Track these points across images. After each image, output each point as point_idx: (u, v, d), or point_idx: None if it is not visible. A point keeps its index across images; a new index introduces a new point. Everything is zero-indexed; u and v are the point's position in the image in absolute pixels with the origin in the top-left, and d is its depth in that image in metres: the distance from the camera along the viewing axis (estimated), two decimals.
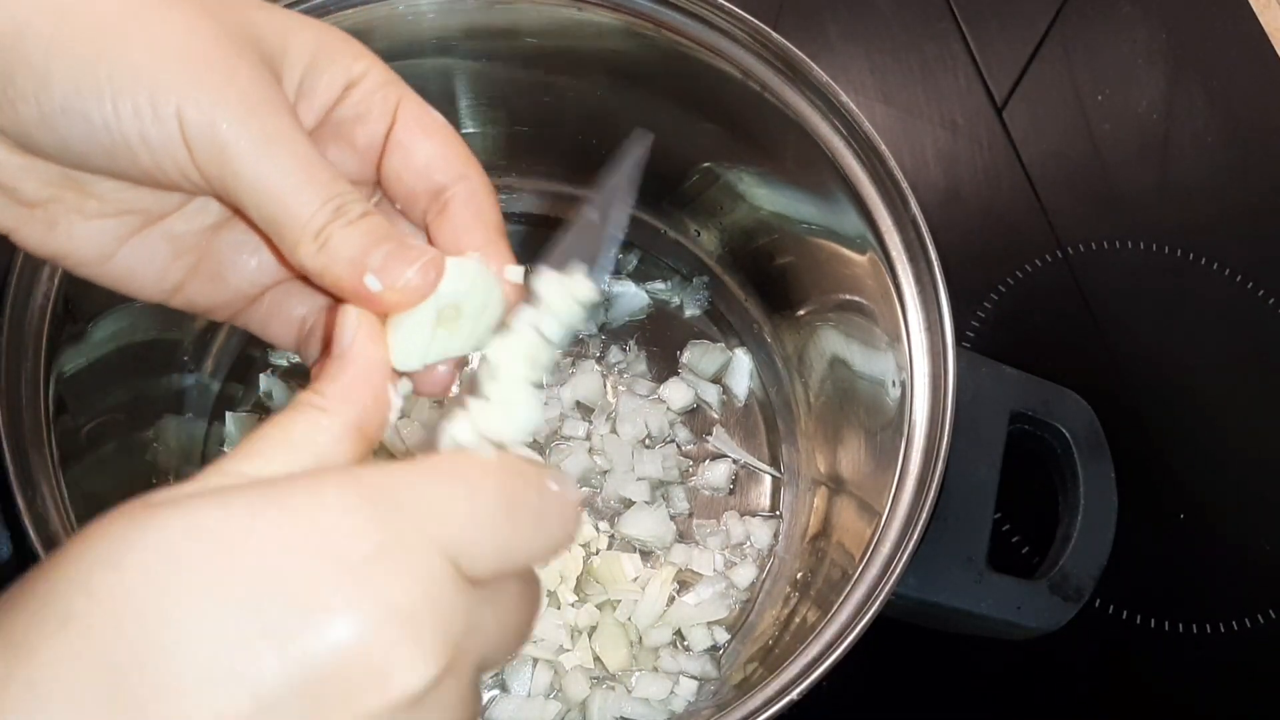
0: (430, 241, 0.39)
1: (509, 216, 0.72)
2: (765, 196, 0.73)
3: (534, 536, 0.31)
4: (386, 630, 0.27)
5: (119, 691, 0.26)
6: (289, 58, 0.37)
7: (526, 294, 0.39)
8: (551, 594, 0.71)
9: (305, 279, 0.38)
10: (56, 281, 0.58)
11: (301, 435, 0.32)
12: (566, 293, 0.38)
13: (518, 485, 0.31)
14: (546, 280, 0.38)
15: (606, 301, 0.81)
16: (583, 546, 0.73)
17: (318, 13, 0.61)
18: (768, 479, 0.78)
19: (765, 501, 0.77)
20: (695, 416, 0.79)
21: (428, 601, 0.28)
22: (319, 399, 0.33)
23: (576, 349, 0.80)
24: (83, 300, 0.61)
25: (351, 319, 0.35)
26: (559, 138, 0.76)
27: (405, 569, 0.28)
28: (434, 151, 0.38)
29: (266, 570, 0.27)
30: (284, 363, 0.77)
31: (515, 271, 0.39)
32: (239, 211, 0.36)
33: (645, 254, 0.82)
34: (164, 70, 0.34)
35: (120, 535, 0.27)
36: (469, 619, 0.29)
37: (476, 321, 0.37)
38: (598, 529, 0.74)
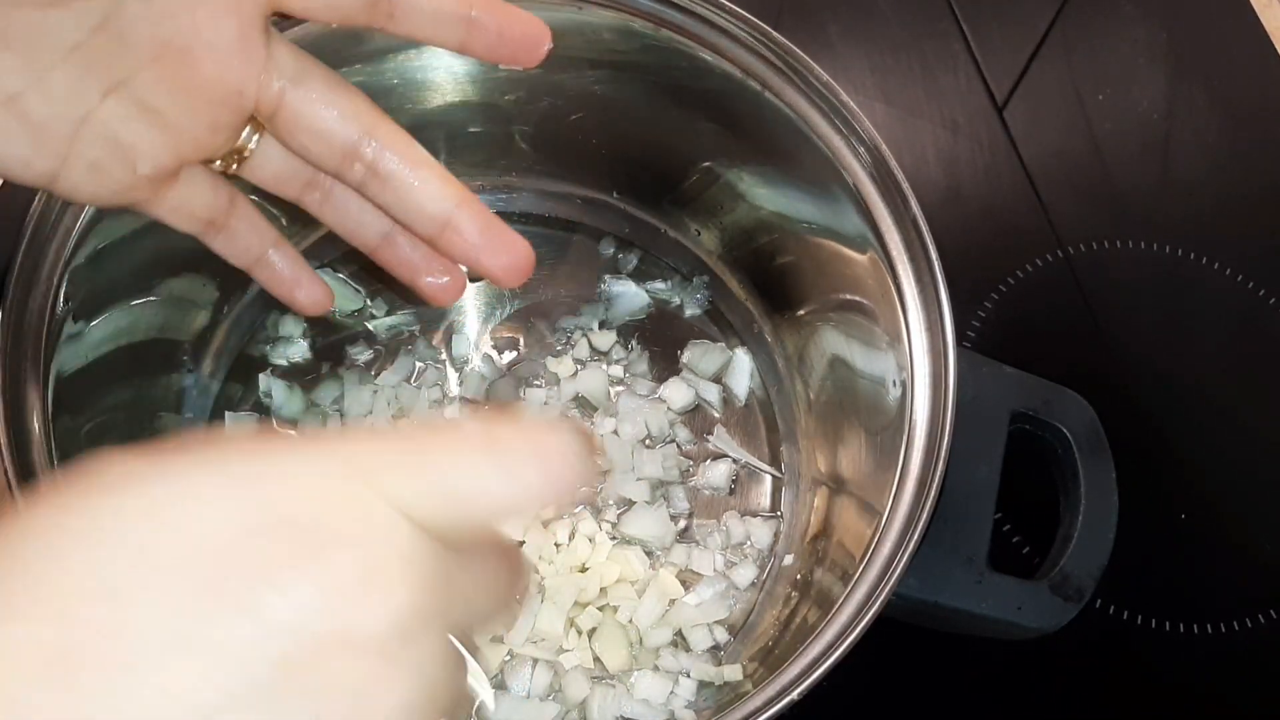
0: None
1: (509, 216, 0.72)
2: (765, 196, 0.73)
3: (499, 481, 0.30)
4: (350, 589, 0.26)
5: (78, 669, 0.25)
6: None
7: None
8: (551, 596, 0.71)
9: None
10: (56, 281, 0.58)
11: None
12: None
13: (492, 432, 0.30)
14: None
15: (607, 301, 0.81)
16: (589, 539, 0.73)
17: None
18: (768, 479, 0.78)
19: (765, 501, 0.77)
20: (695, 416, 0.79)
21: (393, 555, 0.27)
22: None
23: (574, 349, 0.80)
24: (82, 300, 0.61)
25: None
26: (559, 138, 0.76)
27: (366, 522, 0.27)
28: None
29: (231, 544, 0.27)
30: (284, 363, 0.77)
31: None
32: None
33: (645, 254, 0.82)
34: None
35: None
36: (436, 573, 0.28)
37: None
38: (600, 528, 0.74)
